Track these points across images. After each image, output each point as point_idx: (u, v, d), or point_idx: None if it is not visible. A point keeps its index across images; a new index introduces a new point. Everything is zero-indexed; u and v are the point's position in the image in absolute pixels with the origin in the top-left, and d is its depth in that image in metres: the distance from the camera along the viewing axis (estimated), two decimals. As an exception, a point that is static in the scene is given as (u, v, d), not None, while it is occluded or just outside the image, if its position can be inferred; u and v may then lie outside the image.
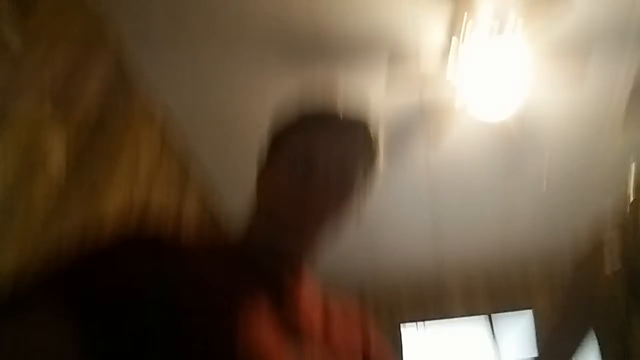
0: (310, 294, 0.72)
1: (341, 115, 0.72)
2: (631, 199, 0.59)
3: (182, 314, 0.55)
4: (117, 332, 0.51)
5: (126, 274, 0.55)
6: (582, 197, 2.70)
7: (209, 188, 2.55)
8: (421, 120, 2.24)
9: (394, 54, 1.98)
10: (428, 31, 1.90)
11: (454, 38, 1.85)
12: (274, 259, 0.69)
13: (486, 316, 3.17)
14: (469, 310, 3.23)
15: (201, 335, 0.55)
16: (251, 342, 0.56)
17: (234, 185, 2.50)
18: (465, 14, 1.73)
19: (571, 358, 0.59)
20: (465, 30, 1.78)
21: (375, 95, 2.07)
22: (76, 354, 0.49)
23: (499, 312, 3.17)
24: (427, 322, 3.26)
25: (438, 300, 3.32)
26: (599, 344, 0.56)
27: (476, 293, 3.29)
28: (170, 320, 0.54)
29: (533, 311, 3.05)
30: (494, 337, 3.08)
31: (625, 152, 1.99)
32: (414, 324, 3.26)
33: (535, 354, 0.79)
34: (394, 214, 2.83)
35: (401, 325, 3.27)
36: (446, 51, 1.93)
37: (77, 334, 0.49)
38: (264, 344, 0.58)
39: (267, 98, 2.03)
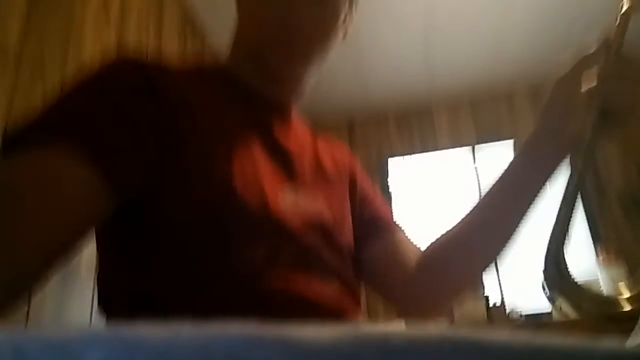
0: (299, 135, 0.71)
1: None
2: (624, 7, 0.56)
3: (179, 136, 0.53)
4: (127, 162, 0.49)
5: (121, 91, 0.52)
6: (576, 24, 2.62)
7: (188, 21, 2.40)
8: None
9: None
10: None
11: None
12: (260, 103, 0.67)
13: (470, 147, 3.30)
14: (454, 141, 3.34)
15: (200, 157, 0.54)
16: (248, 166, 0.57)
17: (217, 18, 2.37)
18: None
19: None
20: None
21: None
22: (92, 192, 0.47)
23: (483, 142, 3.28)
24: (413, 154, 3.37)
25: (425, 131, 3.41)
26: (570, 161, 0.58)
27: (462, 123, 3.37)
28: (170, 145, 0.52)
29: (515, 141, 3.16)
30: (476, 166, 3.24)
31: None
32: (401, 155, 3.38)
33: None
34: (386, 39, 2.74)
35: (388, 157, 3.39)
36: None
37: (91, 173, 0.46)
38: (261, 168, 0.58)
39: None
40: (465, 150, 3.31)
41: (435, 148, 3.35)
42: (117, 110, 0.51)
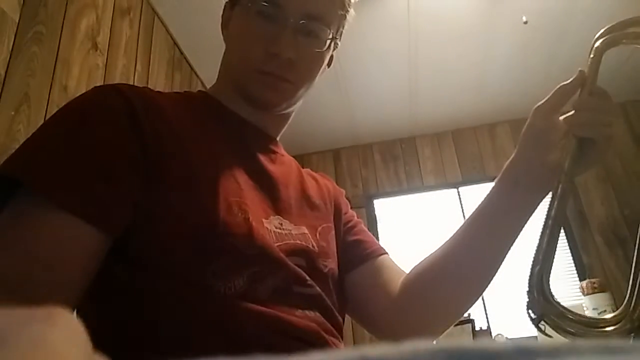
0: (284, 163, 0.72)
1: None
2: (598, 42, 0.58)
3: (162, 163, 0.53)
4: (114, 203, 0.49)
5: (104, 119, 0.51)
6: (558, 53, 2.71)
7: (177, 51, 2.43)
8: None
9: None
10: None
11: None
12: (246, 130, 0.67)
13: (455, 187, 3.34)
14: (440, 181, 3.38)
15: (185, 181, 0.53)
16: (232, 194, 0.56)
17: (204, 51, 2.39)
18: None
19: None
20: None
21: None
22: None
23: (468, 183, 3.33)
24: (399, 194, 3.40)
25: (408, 163, 3.47)
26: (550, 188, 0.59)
27: (447, 162, 3.43)
28: (155, 166, 0.52)
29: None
30: (462, 206, 3.27)
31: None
32: (387, 195, 3.41)
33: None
34: (371, 74, 2.80)
35: (374, 197, 3.41)
36: None
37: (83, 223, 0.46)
38: (245, 195, 0.58)
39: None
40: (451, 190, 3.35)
41: (420, 182, 3.40)
42: (96, 146, 0.50)
